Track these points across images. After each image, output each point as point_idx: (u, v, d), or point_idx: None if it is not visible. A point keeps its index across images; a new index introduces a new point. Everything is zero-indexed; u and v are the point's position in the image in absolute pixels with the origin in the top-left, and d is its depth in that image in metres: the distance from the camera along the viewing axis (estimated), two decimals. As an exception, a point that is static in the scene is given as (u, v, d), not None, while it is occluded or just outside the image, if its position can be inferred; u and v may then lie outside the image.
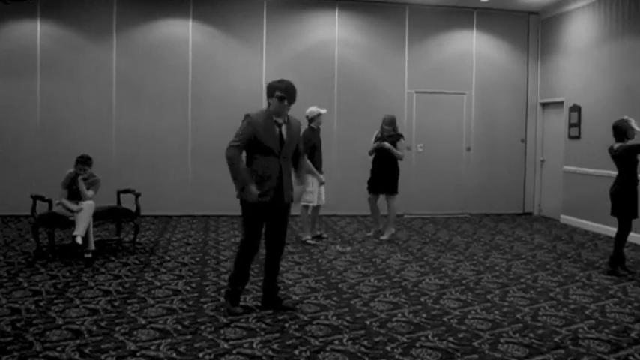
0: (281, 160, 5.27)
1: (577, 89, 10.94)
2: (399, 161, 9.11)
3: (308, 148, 8.60)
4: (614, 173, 7.34)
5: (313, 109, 8.82)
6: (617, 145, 7.09)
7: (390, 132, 9.07)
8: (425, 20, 11.84)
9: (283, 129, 5.27)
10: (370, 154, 9.19)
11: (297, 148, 5.53)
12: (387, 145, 8.95)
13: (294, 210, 9.19)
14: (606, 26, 10.14)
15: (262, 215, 5.30)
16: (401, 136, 9.16)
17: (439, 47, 11.99)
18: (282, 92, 5.22)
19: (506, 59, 12.25)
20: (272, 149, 5.21)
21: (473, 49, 12.09)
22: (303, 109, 9.75)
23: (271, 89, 5.28)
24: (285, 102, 5.24)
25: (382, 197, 9.22)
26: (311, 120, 8.78)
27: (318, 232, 9.27)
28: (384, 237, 9.15)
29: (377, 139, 9.12)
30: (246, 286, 6.19)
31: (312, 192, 8.72)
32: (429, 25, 11.88)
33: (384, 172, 9.06)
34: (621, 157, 7.06)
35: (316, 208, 9.00)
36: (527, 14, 12.23)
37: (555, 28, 11.70)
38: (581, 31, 10.87)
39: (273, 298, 5.53)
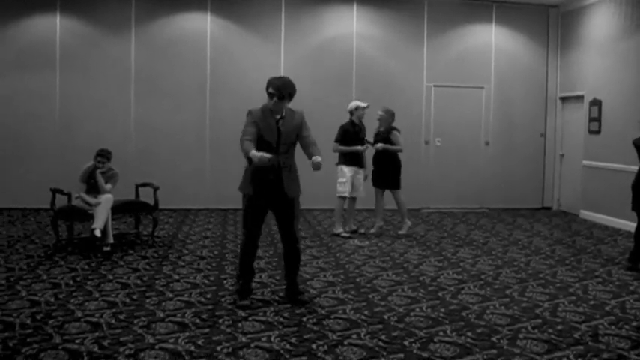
0: (279, 154, 5.25)
1: (597, 83, 10.82)
2: (399, 155, 8.90)
3: (340, 137, 8.61)
4: (635, 168, 7.24)
5: (353, 103, 8.82)
6: None
7: (385, 126, 8.87)
8: (443, 14, 11.76)
9: (280, 123, 5.27)
10: (363, 150, 8.84)
11: (304, 138, 5.39)
12: (379, 147, 8.76)
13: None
14: (627, 19, 10.01)
15: (259, 212, 5.32)
16: (394, 128, 8.89)
17: (458, 41, 11.90)
18: (273, 89, 5.22)
19: (525, 53, 12.14)
20: (270, 142, 5.21)
21: (492, 42, 11.99)
22: (321, 104, 9.82)
23: (267, 85, 5.29)
24: (275, 99, 5.22)
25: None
26: (351, 113, 8.75)
27: (354, 227, 9.15)
28: (402, 232, 9.10)
29: (375, 135, 9.01)
30: (264, 280, 6.23)
31: (345, 182, 8.67)
32: (448, 19, 11.80)
33: (385, 168, 8.90)
34: None
35: (353, 201, 8.92)
36: (546, 7, 12.09)
37: (575, 22, 11.57)
38: (602, 24, 10.73)
39: (293, 296, 5.54)
